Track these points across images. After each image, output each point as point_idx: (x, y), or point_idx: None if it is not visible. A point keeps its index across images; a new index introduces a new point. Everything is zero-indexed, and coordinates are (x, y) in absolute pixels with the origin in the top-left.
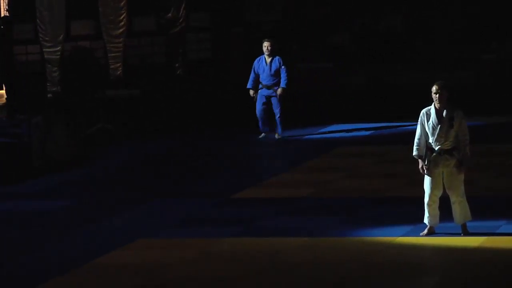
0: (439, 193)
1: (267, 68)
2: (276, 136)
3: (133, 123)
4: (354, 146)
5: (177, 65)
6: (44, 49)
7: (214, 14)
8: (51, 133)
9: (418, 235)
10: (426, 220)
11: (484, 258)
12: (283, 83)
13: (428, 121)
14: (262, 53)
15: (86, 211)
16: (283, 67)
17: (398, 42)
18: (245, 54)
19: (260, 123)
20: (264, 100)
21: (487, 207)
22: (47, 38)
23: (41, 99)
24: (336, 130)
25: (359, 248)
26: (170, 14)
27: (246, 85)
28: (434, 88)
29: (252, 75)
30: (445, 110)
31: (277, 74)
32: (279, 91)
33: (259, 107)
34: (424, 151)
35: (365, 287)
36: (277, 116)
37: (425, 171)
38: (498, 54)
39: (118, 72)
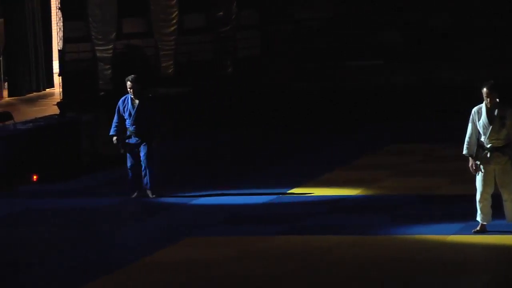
0: (491, 190)
1: (134, 111)
2: (150, 194)
3: (182, 121)
4: (403, 144)
5: (228, 63)
6: (96, 47)
7: (263, 12)
8: (100, 130)
9: (470, 233)
10: (478, 218)
11: None
12: (156, 131)
13: (479, 120)
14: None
15: (132, 209)
16: (154, 110)
17: (445, 39)
18: (294, 52)
19: (131, 181)
20: (136, 151)
21: None
22: (99, 36)
23: (93, 97)
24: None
25: (409, 246)
26: (221, 12)
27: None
28: (484, 89)
29: (115, 119)
30: (496, 109)
31: (146, 117)
32: (155, 142)
33: (131, 161)
34: (475, 149)
35: (414, 285)
36: (148, 170)
37: (476, 169)
38: None
39: (170, 70)
